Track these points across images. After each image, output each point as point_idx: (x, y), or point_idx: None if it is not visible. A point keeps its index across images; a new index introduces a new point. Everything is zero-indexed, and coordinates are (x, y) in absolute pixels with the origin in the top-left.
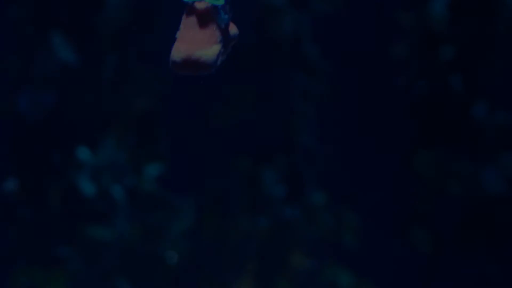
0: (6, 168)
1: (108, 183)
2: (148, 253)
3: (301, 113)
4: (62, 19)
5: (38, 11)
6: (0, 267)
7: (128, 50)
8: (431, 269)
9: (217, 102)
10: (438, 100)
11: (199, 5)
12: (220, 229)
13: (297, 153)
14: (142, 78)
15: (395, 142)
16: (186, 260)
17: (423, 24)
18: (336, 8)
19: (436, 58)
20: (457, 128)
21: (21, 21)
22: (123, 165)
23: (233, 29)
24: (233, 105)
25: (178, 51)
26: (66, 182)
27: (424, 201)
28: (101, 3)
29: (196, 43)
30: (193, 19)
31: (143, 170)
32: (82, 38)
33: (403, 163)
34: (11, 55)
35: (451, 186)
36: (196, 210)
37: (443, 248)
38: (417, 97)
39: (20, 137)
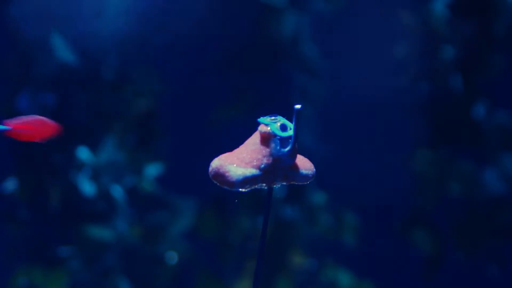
0: (6, 168)
1: (108, 183)
2: (148, 253)
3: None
4: (62, 19)
5: (38, 11)
6: (0, 267)
7: (128, 50)
8: (430, 269)
9: (217, 102)
10: (438, 100)
11: (261, 128)
12: (220, 229)
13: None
14: (142, 78)
15: (395, 142)
16: (186, 260)
17: (423, 24)
18: (336, 8)
19: (436, 58)
20: (457, 128)
21: (21, 21)
22: (123, 165)
23: (305, 167)
24: (233, 105)
25: (217, 159)
26: (66, 182)
27: (424, 201)
28: (101, 3)
29: (235, 159)
30: (252, 139)
31: (143, 170)
32: (82, 38)
33: (403, 163)
34: (11, 55)
35: (451, 186)
36: (196, 210)
37: (443, 248)
38: (417, 97)
39: None
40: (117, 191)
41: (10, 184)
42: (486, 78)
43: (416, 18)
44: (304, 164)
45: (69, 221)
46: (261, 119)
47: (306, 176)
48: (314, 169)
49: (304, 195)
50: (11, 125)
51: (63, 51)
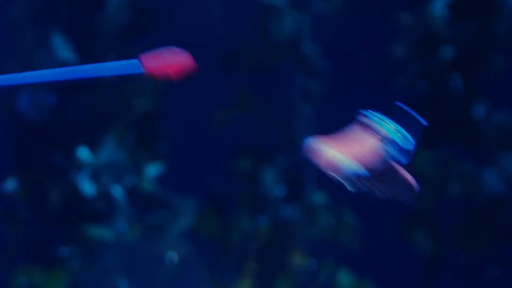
0: (6, 168)
1: (108, 183)
2: (148, 253)
3: (301, 113)
4: (62, 19)
5: (38, 10)
6: (0, 267)
7: (128, 50)
8: (430, 269)
9: (217, 102)
10: (438, 100)
11: (363, 119)
12: (220, 229)
13: (297, 153)
14: (142, 78)
15: None
16: (186, 260)
17: (423, 24)
18: (336, 8)
19: (436, 58)
20: (457, 128)
21: (21, 21)
22: (123, 165)
23: (411, 181)
24: (233, 105)
25: (328, 148)
26: (66, 182)
27: (424, 201)
28: (101, 3)
29: (348, 152)
30: (362, 135)
31: (143, 170)
32: (82, 38)
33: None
34: (11, 55)
35: (451, 186)
36: (196, 210)
37: (443, 248)
38: (417, 96)
39: (20, 137)
40: (117, 191)
41: (10, 184)
42: (486, 78)
43: (416, 18)
44: (410, 179)
45: (69, 221)
46: (370, 116)
47: (413, 190)
48: (416, 189)
49: (304, 195)
50: (144, 61)
51: (63, 50)
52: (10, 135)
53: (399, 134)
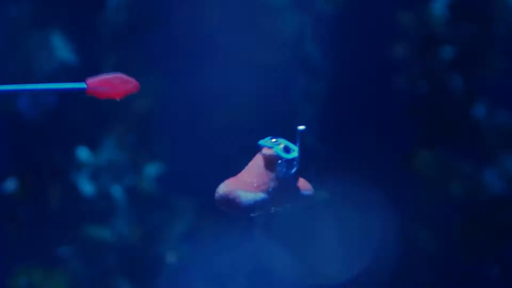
0: (6, 168)
1: (108, 183)
2: (148, 253)
3: (301, 113)
4: (62, 19)
5: (38, 10)
6: (0, 267)
7: (128, 50)
8: (431, 269)
9: (216, 102)
10: (438, 100)
11: (265, 151)
12: (220, 229)
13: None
14: (141, 78)
15: (395, 142)
16: (186, 260)
17: (423, 24)
18: (337, 8)
19: (436, 58)
20: (457, 128)
21: (21, 21)
22: (123, 165)
23: (306, 188)
24: (233, 105)
25: (224, 186)
26: (66, 182)
27: (424, 202)
28: (101, 3)
29: (243, 184)
30: (256, 163)
31: (143, 170)
32: (82, 38)
33: (403, 163)
34: (11, 55)
35: (451, 187)
36: (196, 210)
37: (443, 248)
38: (417, 97)
39: (20, 137)
40: (117, 191)
41: (10, 184)
42: (486, 78)
43: (416, 18)
44: (305, 185)
45: (69, 221)
46: (262, 142)
47: (308, 197)
48: (313, 190)
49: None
50: (90, 83)
51: (62, 50)
52: (10, 135)
53: (287, 148)
